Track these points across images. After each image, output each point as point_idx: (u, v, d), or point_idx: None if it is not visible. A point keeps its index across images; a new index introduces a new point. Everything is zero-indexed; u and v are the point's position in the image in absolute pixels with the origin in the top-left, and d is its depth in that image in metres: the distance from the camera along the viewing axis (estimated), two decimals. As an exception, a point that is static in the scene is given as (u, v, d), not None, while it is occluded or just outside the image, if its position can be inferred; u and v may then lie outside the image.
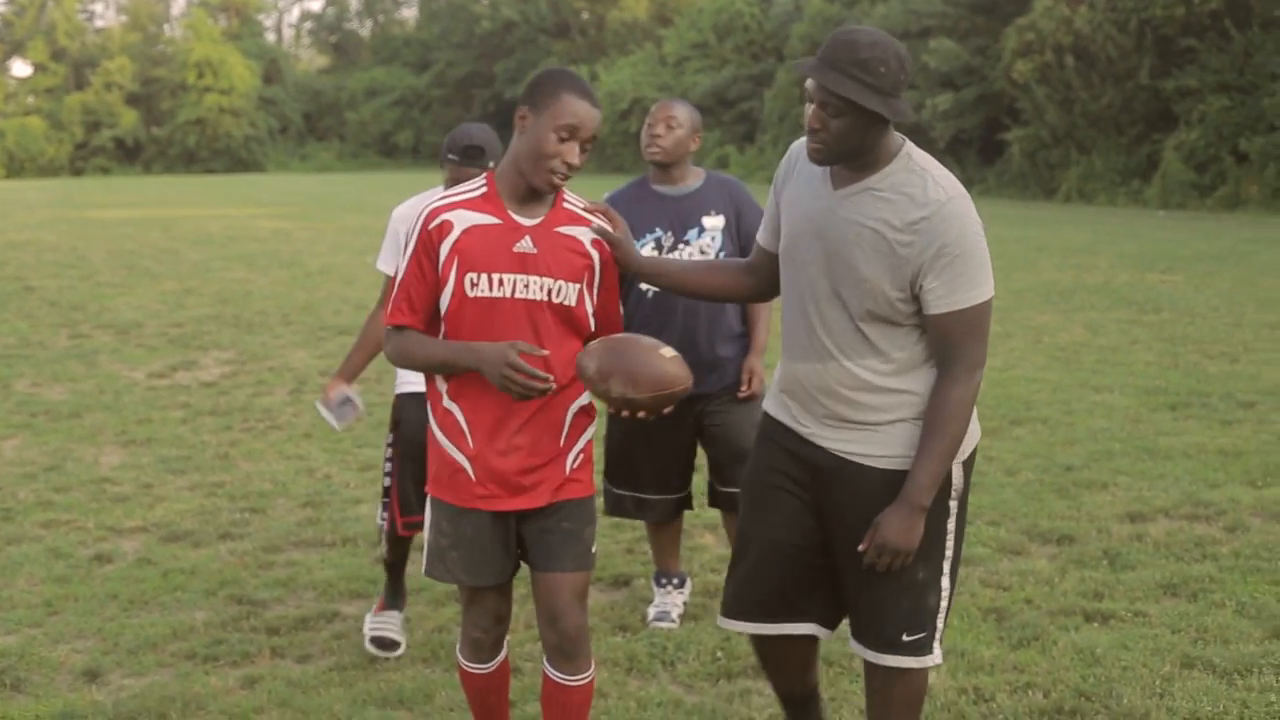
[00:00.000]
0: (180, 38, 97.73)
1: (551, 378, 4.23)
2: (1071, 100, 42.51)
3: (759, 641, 4.64)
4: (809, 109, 4.06)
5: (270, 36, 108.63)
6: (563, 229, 4.41)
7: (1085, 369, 13.01)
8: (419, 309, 4.39)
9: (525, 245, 4.33)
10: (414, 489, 6.11)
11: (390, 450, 6.32)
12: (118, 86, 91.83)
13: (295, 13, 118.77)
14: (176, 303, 19.03)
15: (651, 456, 6.47)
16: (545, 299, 4.34)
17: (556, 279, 4.35)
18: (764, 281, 4.64)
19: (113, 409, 11.69)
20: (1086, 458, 9.48)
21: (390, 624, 6.30)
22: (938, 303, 4.06)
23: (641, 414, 4.28)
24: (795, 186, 4.36)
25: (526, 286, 4.32)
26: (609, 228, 4.49)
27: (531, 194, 4.36)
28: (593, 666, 4.57)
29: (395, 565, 6.46)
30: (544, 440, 4.41)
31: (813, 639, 4.63)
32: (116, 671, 6.03)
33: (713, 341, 6.31)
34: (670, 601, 6.64)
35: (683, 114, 6.31)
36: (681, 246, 6.25)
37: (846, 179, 4.18)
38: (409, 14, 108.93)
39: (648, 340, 4.31)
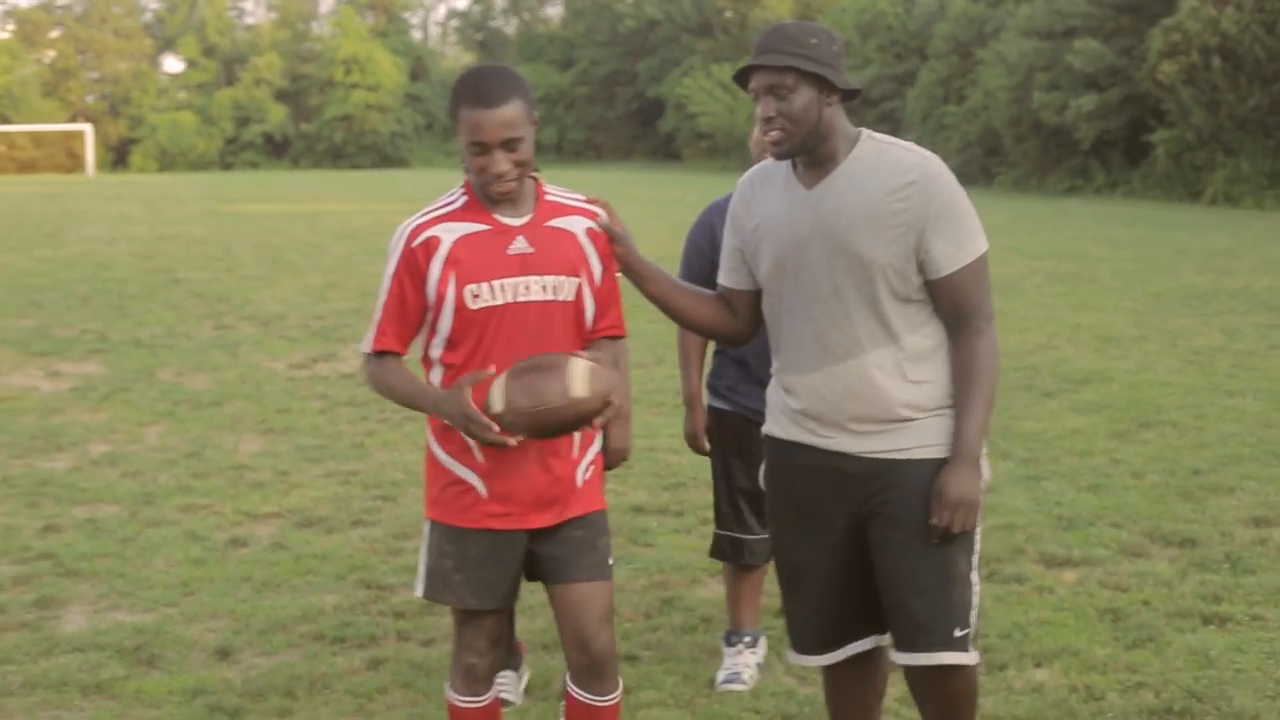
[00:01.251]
0: (328, 35, 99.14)
1: (511, 439, 4.01)
2: (1218, 102, 41.86)
3: (830, 668, 4.56)
4: (759, 108, 4.11)
5: (417, 34, 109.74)
6: (553, 223, 4.25)
7: (1219, 373, 12.89)
8: (404, 335, 4.25)
9: (521, 245, 4.18)
10: None
11: None
12: (267, 83, 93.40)
13: (441, 10, 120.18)
14: (319, 296, 19.41)
15: (753, 493, 5.75)
16: (550, 298, 4.19)
17: (557, 275, 4.20)
18: (744, 323, 4.51)
19: (253, 398, 11.99)
20: (1214, 462, 9.43)
21: (504, 684, 5.65)
22: (947, 261, 4.08)
23: (578, 430, 4.10)
24: (762, 209, 4.31)
25: (528, 288, 4.16)
26: (610, 220, 4.34)
27: (511, 195, 4.19)
28: (620, 684, 4.44)
29: None
30: (555, 453, 4.24)
31: (875, 652, 4.55)
32: (247, 651, 6.23)
33: None
34: (742, 662, 5.95)
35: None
36: None
37: (816, 175, 4.19)
38: (554, 12, 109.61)
39: (551, 357, 4.05)
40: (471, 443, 4.18)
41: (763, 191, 4.34)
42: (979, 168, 55.01)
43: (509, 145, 4.05)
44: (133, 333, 15.90)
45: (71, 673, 5.92)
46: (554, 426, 4.01)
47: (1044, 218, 35.20)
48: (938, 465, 4.15)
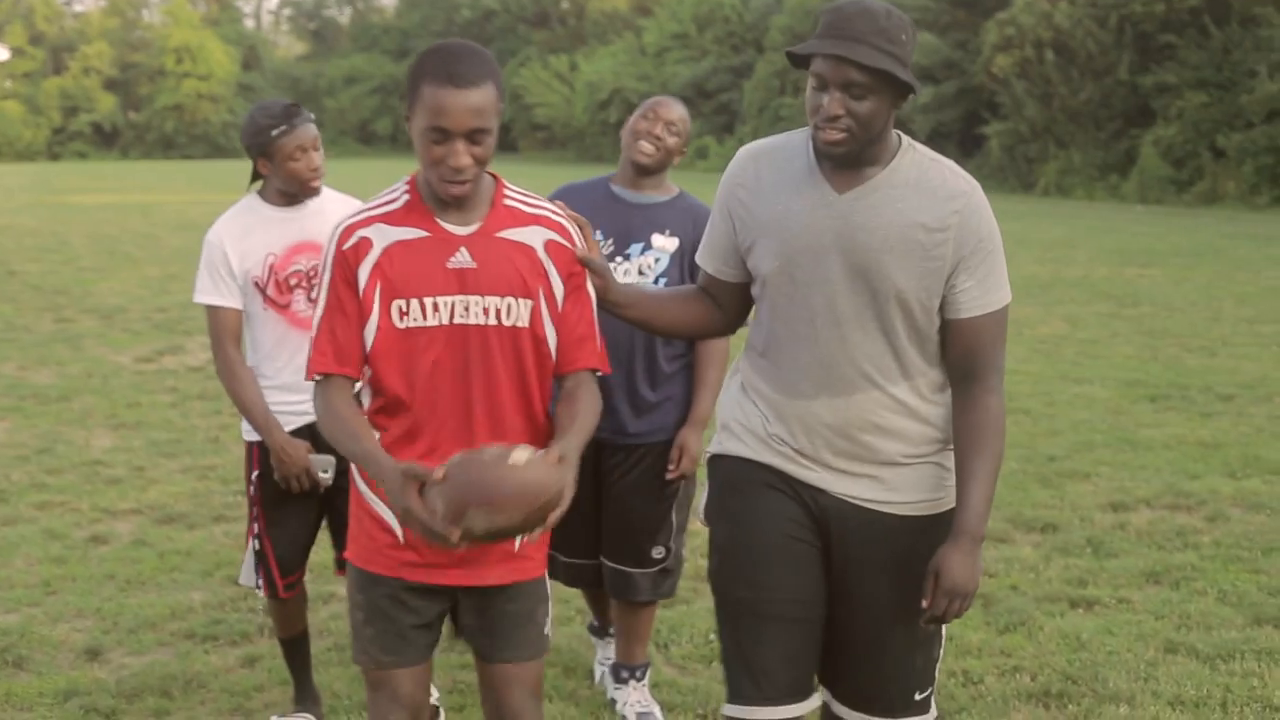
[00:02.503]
0: (159, 23, 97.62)
1: (455, 535, 3.25)
2: (1050, 95, 42.71)
3: None
4: (824, 96, 3.48)
5: (249, 23, 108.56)
6: (506, 233, 3.60)
7: (1066, 361, 13.14)
8: (348, 353, 3.57)
9: (462, 259, 3.53)
10: (289, 541, 5.16)
11: (253, 506, 5.16)
12: (96, 71, 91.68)
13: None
14: (160, 288, 19.07)
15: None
16: (494, 322, 3.55)
17: (504, 296, 3.55)
18: (733, 317, 3.99)
19: (101, 393, 11.75)
20: (1069, 448, 9.60)
21: None
22: (971, 304, 3.59)
23: (525, 537, 3.40)
24: (772, 198, 3.68)
25: (467, 309, 3.53)
26: (586, 245, 3.74)
27: (463, 199, 3.54)
28: None
29: (293, 646, 5.43)
30: None
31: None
32: (117, 650, 6.10)
33: (653, 382, 5.31)
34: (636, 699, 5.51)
35: (683, 120, 5.42)
36: (619, 260, 5.27)
37: (850, 179, 3.60)
38: (388, 1, 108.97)
39: (491, 451, 3.28)
40: None
41: (767, 177, 3.73)
42: (816, 159, 55.57)
43: (474, 136, 3.42)
44: (-30, 327, 15.52)
45: (-65, 676, 5.77)
46: (499, 535, 3.31)
47: (882, 209, 35.57)
48: (920, 524, 3.69)
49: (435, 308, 3.51)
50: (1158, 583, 6.92)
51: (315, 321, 3.59)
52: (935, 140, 48.09)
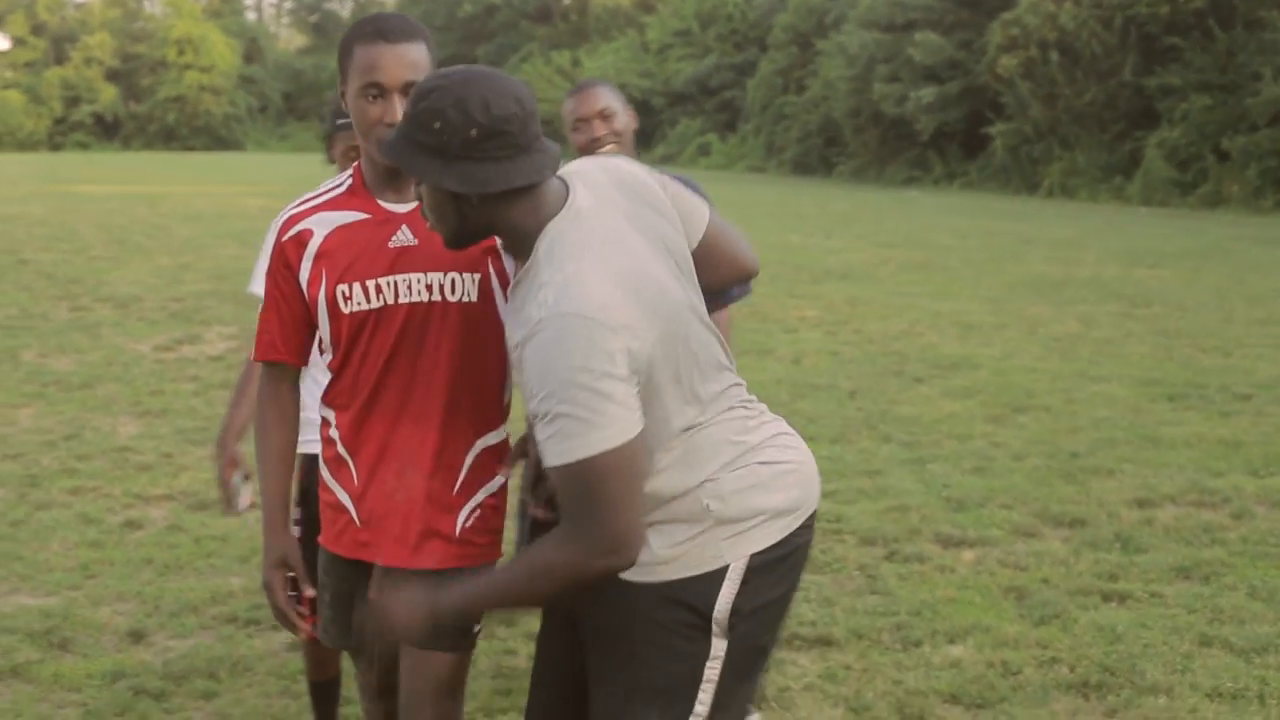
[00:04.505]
0: (160, 14, 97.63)
1: (308, 627, 3.52)
2: (1055, 96, 42.75)
3: None
4: None
5: (251, 15, 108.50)
6: None
7: (1082, 360, 13.19)
8: (290, 341, 3.54)
9: (403, 237, 3.42)
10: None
11: (298, 528, 4.72)
12: (97, 62, 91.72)
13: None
14: (173, 277, 19.11)
15: None
16: (437, 298, 3.41)
17: (447, 271, 3.41)
18: None
19: (123, 380, 11.79)
20: (1091, 445, 9.65)
21: None
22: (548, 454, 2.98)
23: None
24: None
25: (410, 288, 3.40)
26: None
27: (382, 174, 3.47)
28: None
29: (323, 692, 5.14)
30: (436, 486, 3.49)
31: None
32: (160, 633, 6.15)
33: None
34: None
35: (611, 97, 5.05)
36: None
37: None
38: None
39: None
40: (348, 457, 3.53)
41: None
42: (819, 158, 55.77)
43: (410, 90, 3.29)
44: (-14, 314, 15.57)
45: (-16, 656, 5.82)
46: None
47: (887, 207, 35.70)
48: (631, 589, 3.15)
49: (379, 289, 3.41)
50: (1188, 578, 6.96)
51: (260, 311, 3.58)
52: (939, 140, 48.24)
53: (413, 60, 3.34)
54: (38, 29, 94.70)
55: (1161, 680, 5.63)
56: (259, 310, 3.58)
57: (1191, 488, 8.53)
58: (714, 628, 3.16)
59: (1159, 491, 8.45)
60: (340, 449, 3.53)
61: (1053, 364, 12.95)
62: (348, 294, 3.40)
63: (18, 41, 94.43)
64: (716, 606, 3.15)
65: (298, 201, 3.55)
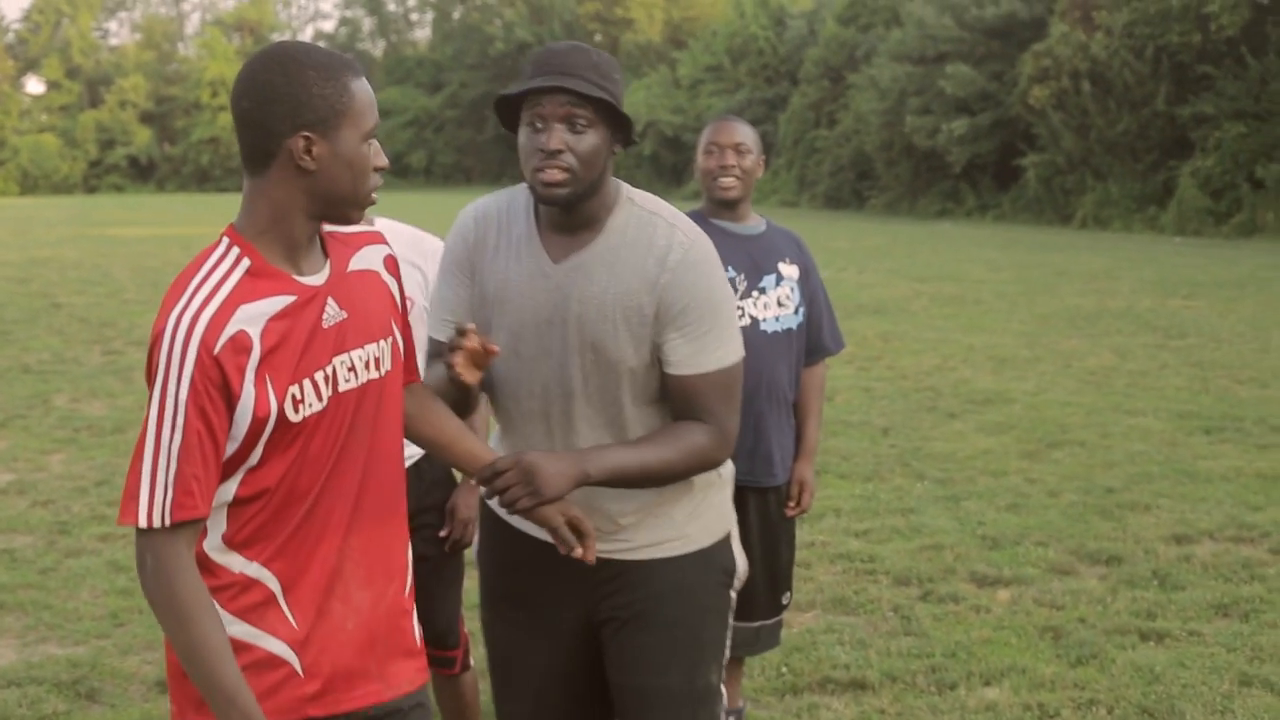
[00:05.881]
0: (194, 56, 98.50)
1: None
2: (1087, 126, 42.59)
3: None
4: (542, 136, 3.33)
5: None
6: (352, 265, 3.04)
7: (1117, 393, 13.09)
8: (213, 486, 2.78)
9: (333, 313, 2.92)
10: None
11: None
12: (132, 105, 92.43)
13: (309, 32, 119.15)
14: (205, 321, 19.10)
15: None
16: (373, 375, 3.00)
17: (377, 341, 3.02)
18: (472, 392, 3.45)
19: (155, 425, 11.75)
20: (1127, 480, 9.57)
21: None
22: (684, 363, 3.40)
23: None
24: (496, 263, 3.52)
25: (352, 369, 2.94)
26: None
27: (302, 243, 2.89)
28: None
29: None
30: (392, 593, 3.08)
31: None
32: (189, 682, 6.10)
33: (781, 425, 5.23)
34: None
35: (750, 136, 5.22)
36: (755, 294, 5.10)
37: (566, 246, 3.46)
38: (422, 35, 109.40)
39: None
40: (278, 593, 2.89)
41: (491, 240, 3.55)
42: (851, 191, 55.68)
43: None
44: (19, 358, 15.59)
45: (11, 708, 5.78)
46: None
47: (920, 240, 35.61)
48: (671, 565, 3.58)
49: (328, 379, 2.90)
50: (1227, 615, 6.88)
51: (168, 452, 2.71)
52: (971, 172, 48.11)
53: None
54: (72, 73, 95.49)
55: (1201, 722, 5.55)
56: (163, 460, 2.72)
57: (1229, 522, 8.44)
58: (735, 583, 3.71)
59: (1196, 527, 8.36)
60: (269, 588, 2.88)
61: (1087, 397, 12.85)
62: (299, 397, 2.83)
63: (53, 85, 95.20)
64: (737, 564, 3.72)
65: (194, 297, 2.76)
